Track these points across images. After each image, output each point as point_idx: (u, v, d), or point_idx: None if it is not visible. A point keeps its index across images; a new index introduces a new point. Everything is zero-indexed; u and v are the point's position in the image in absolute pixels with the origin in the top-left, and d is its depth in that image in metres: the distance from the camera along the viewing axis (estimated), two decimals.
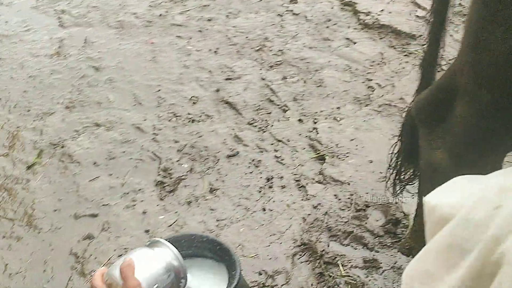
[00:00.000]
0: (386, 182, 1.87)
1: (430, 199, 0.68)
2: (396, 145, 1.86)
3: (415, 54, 3.01)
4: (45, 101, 2.71)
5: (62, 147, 2.43)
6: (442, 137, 1.52)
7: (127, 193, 2.22)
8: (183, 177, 2.31)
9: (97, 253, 2.00)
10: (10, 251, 2.02)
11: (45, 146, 2.44)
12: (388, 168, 1.86)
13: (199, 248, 1.70)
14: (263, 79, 2.86)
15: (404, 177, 1.82)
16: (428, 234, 0.67)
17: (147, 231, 2.07)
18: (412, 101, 1.66)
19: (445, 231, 0.63)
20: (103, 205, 2.17)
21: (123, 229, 2.08)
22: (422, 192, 1.75)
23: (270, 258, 2.01)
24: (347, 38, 3.13)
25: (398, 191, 1.86)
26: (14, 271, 1.96)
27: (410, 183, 1.85)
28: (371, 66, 2.94)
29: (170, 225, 2.10)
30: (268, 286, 1.91)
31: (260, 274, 1.96)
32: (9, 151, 2.43)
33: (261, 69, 2.93)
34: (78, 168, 2.33)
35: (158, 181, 2.28)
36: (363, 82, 2.82)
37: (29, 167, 2.35)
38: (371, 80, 2.83)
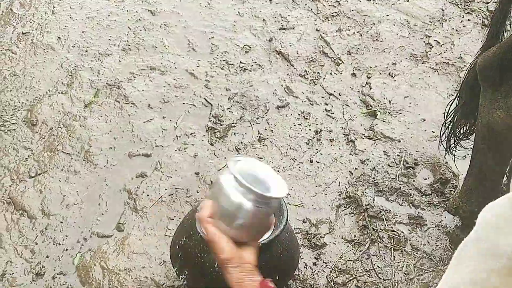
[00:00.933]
0: (440, 137, 1.85)
1: None
2: (454, 100, 1.83)
3: (478, 12, 2.88)
4: (102, 42, 2.77)
5: (118, 88, 2.50)
6: (505, 96, 1.48)
7: (179, 136, 2.29)
8: (233, 124, 2.35)
9: (149, 191, 2.08)
10: (67, 184, 2.13)
11: (102, 86, 2.52)
12: (444, 122, 1.84)
13: None
14: (318, 31, 2.81)
15: (459, 132, 1.80)
16: None
17: (197, 174, 2.14)
18: (477, 58, 1.62)
19: None
20: (156, 146, 2.24)
21: (174, 170, 2.15)
22: (476, 152, 1.72)
23: (315, 208, 2.05)
24: None
25: (452, 146, 1.85)
26: (71, 203, 2.07)
27: (464, 139, 1.83)
28: (431, 22, 2.84)
29: (219, 170, 2.16)
30: (311, 234, 1.95)
31: (304, 222, 2.00)
32: (67, 89, 2.52)
33: (316, 20, 2.88)
34: (133, 109, 2.40)
35: (209, 127, 2.33)
36: (421, 39, 2.74)
37: (86, 106, 2.43)
38: (430, 37, 2.74)
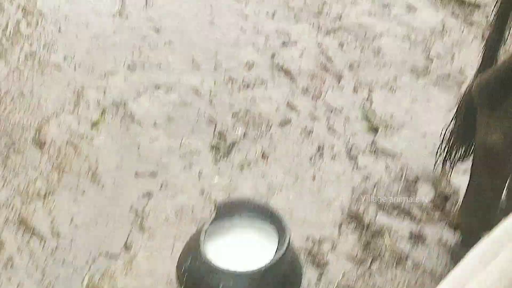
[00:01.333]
0: (436, 159, 1.89)
1: None
2: (450, 122, 1.86)
3: (478, 24, 2.91)
4: (108, 61, 2.81)
5: (124, 106, 2.55)
6: (501, 119, 1.52)
7: (184, 155, 2.33)
8: (236, 141, 2.39)
9: (155, 210, 2.13)
10: (76, 204, 2.18)
11: (108, 105, 2.56)
12: (440, 145, 1.88)
13: (252, 212, 1.81)
14: (319, 45, 2.85)
15: (455, 156, 1.84)
16: None
17: (202, 192, 2.18)
18: (473, 80, 1.65)
19: None
20: (162, 164, 2.29)
21: (180, 189, 2.20)
22: (474, 172, 1.75)
23: (318, 225, 2.08)
24: (408, 5, 3.05)
25: (447, 170, 1.88)
26: (79, 223, 2.12)
27: (460, 162, 1.86)
28: (431, 35, 2.87)
29: (224, 188, 2.20)
30: (314, 251, 1.99)
31: (307, 240, 2.04)
32: (74, 109, 2.57)
33: (317, 34, 2.92)
34: (139, 128, 2.45)
35: (213, 144, 2.37)
36: (422, 52, 2.77)
37: (93, 125, 2.48)
38: (430, 50, 2.78)
